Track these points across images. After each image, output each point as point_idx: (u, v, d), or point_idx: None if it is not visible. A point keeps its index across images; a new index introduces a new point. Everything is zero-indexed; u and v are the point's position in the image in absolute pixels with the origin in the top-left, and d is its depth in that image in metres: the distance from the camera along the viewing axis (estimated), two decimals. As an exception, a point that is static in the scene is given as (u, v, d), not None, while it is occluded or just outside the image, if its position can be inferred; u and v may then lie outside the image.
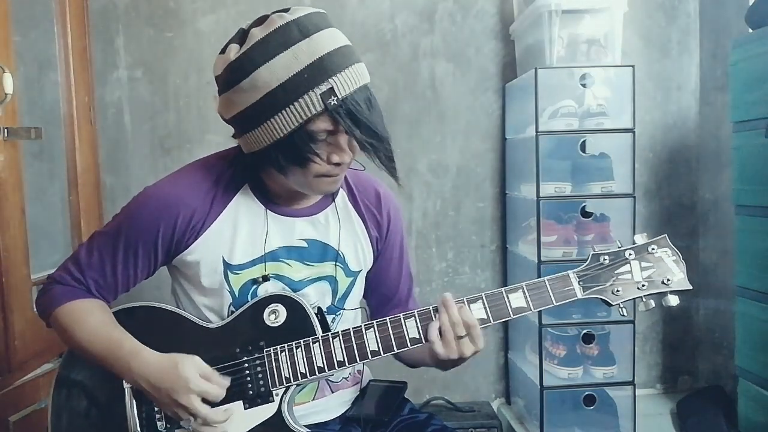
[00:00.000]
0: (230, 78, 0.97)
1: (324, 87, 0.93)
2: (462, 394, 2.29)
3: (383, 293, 1.26)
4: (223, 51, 1.00)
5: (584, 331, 1.98)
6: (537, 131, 1.91)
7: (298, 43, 0.93)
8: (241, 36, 0.99)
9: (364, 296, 1.27)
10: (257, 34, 0.96)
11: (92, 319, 1.07)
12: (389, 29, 2.24)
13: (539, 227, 1.92)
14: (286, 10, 0.98)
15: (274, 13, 0.98)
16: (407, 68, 2.24)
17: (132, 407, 1.06)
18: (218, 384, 1.02)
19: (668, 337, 2.37)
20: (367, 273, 1.24)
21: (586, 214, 1.97)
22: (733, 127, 1.78)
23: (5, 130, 1.50)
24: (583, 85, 1.96)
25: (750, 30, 1.77)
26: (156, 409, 1.07)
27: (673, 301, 1.05)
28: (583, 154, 1.97)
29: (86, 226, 1.94)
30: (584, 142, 1.97)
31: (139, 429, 1.06)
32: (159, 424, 1.07)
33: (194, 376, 1.00)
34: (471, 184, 2.29)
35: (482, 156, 2.29)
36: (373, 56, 2.21)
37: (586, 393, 1.96)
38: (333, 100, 0.93)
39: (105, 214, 2.09)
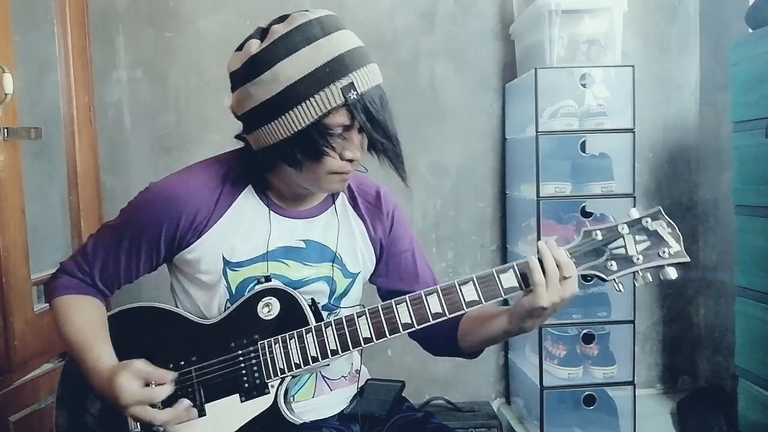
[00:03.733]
0: (250, 71, 0.99)
1: (345, 81, 0.96)
2: (462, 394, 2.29)
3: (407, 291, 1.20)
4: (239, 48, 1.02)
5: (584, 331, 1.99)
6: (537, 131, 1.91)
7: (320, 39, 0.97)
8: (262, 33, 1.01)
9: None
10: (280, 29, 0.98)
11: (78, 317, 1.09)
12: (389, 29, 2.24)
13: (539, 227, 1.93)
14: (305, 10, 1.01)
15: (294, 13, 1.01)
16: (407, 68, 2.24)
17: None
18: (157, 381, 1.02)
19: (668, 337, 2.37)
20: (381, 276, 1.24)
21: (586, 214, 1.97)
22: (733, 127, 1.78)
23: (5, 130, 1.50)
24: (583, 85, 1.96)
25: (750, 30, 1.78)
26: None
27: (672, 273, 1.02)
28: (583, 154, 1.97)
29: (86, 226, 1.94)
30: (584, 142, 1.97)
31: (138, 428, 1.07)
32: None
33: (127, 386, 1.00)
34: (471, 184, 2.29)
35: (482, 156, 2.29)
36: (373, 56, 2.21)
37: (586, 393, 1.96)
38: (353, 93, 0.96)
39: (105, 214, 2.09)
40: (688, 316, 2.36)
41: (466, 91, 2.27)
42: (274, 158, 1.05)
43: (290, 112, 0.97)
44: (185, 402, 1.06)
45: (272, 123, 0.99)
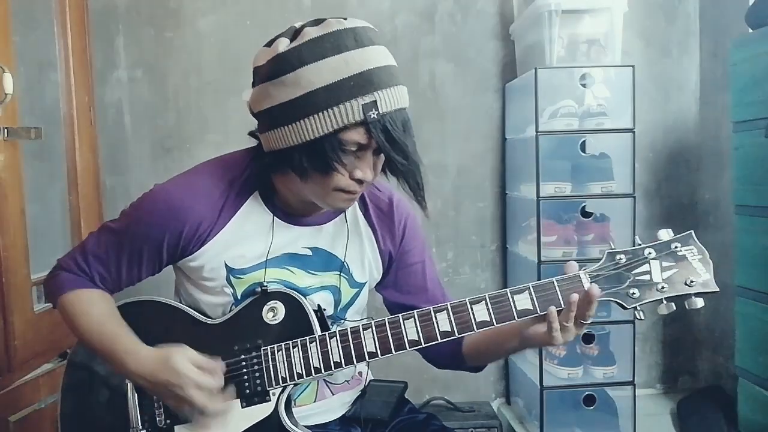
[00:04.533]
0: (274, 70, 0.95)
1: (367, 99, 0.92)
2: (462, 394, 2.29)
3: (413, 304, 1.17)
4: (269, 44, 0.99)
5: (584, 331, 1.98)
6: (537, 131, 1.91)
7: (351, 51, 0.93)
8: (294, 33, 0.97)
9: (393, 312, 1.20)
10: (312, 32, 0.94)
11: (94, 311, 1.07)
12: (389, 29, 2.24)
13: (539, 227, 1.92)
14: (342, 18, 0.97)
15: (331, 18, 0.98)
16: (407, 68, 2.24)
17: (134, 400, 1.07)
18: (212, 371, 1.02)
19: (668, 337, 2.37)
20: (389, 287, 1.21)
21: (586, 214, 1.97)
22: (733, 127, 1.78)
23: (5, 130, 1.50)
24: (583, 85, 1.96)
25: (750, 30, 1.77)
26: (156, 404, 1.07)
27: (699, 303, 0.97)
28: (583, 154, 1.97)
29: (86, 226, 1.94)
30: (584, 142, 1.97)
31: (140, 422, 1.07)
32: (158, 420, 1.07)
33: (187, 368, 0.99)
34: (471, 184, 2.29)
35: (482, 156, 2.29)
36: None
37: (586, 393, 1.96)
38: (373, 113, 0.92)
39: (105, 215, 2.09)
40: (688, 316, 2.36)
41: (466, 91, 2.27)
42: (282, 163, 1.01)
43: (306, 119, 0.93)
44: (232, 390, 1.04)
45: (286, 127, 0.95)
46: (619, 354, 1.99)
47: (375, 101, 0.92)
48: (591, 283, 0.98)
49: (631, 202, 1.93)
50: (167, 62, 2.19)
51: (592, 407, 1.96)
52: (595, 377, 1.98)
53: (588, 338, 1.98)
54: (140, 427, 1.07)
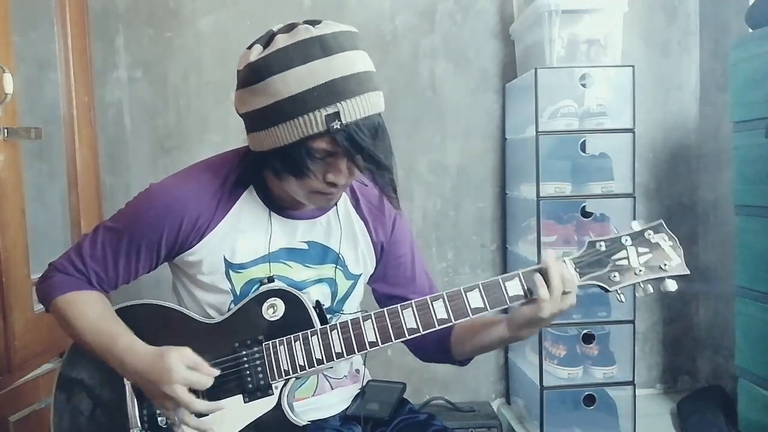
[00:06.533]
0: (246, 78, 0.98)
1: (330, 109, 0.93)
2: (462, 394, 2.29)
3: (402, 295, 1.22)
4: (250, 47, 1.01)
5: (584, 331, 1.99)
6: (537, 131, 1.91)
7: (317, 60, 0.93)
8: (268, 39, 0.99)
9: (383, 304, 1.24)
10: (281, 41, 0.96)
11: (90, 312, 1.08)
12: (389, 29, 2.24)
13: (539, 227, 1.92)
14: (316, 23, 0.97)
15: (305, 23, 0.98)
16: (407, 68, 2.24)
17: (133, 404, 1.08)
18: (205, 373, 1.03)
19: (668, 337, 2.37)
20: (378, 280, 1.24)
21: (586, 214, 1.98)
22: (733, 127, 1.78)
23: (5, 130, 1.50)
24: (583, 85, 1.96)
25: (750, 30, 1.78)
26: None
27: (671, 286, 1.04)
28: (583, 154, 1.97)
29: (86, 226, 1.94)
30: (584, 142, 1.97)
31: (140, 426, 1.07)
32: (160, 420, 1.08)
33: (178, 365, 1.00)
34: (471, 184, 2.29)
35: (482, 156, 2.29)
36: (373, 56, 2.20)
37: (586, 393, 1.96)
38: (336, 123, 0.94)
39: (105, 214, 2.09)
40: (688, 316, 2.36)
41: (466, 91, 2.27)
42: (264, 163, 1.05)
43: (275, 127, 0.96)
44: (224, 402, 1.06)
45: (260, 132, 0.99)
46: (619, 354, 1.99)
47: (338, 111, 0.93)
48: (575, 269, 1.05)
49: (631, 202, 1.94)
50: (167, 62, 2.19)
51: (592, 407, 1.96)
52: (595, 377, 1.98)
53: (588, 338, 1.99)
54: (140, 428, 1.07)
